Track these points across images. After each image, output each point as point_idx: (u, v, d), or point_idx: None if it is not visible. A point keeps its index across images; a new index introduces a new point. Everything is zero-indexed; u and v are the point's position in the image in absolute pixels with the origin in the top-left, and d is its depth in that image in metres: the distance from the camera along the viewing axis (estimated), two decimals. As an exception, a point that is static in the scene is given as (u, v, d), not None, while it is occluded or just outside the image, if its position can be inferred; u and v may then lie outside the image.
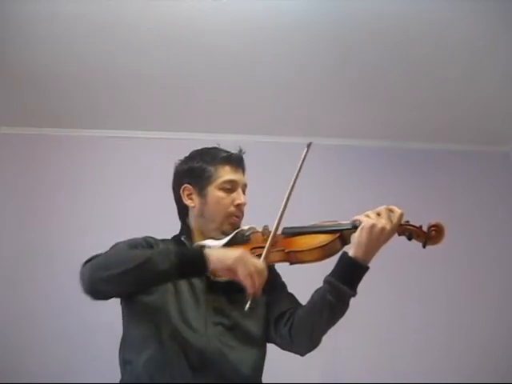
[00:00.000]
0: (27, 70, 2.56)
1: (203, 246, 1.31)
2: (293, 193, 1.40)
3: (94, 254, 1.40)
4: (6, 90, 2.71)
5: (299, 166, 1.41)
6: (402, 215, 1.32)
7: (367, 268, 1.31)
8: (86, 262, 1.31)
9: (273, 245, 1.36)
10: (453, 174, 3.17)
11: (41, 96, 2.75)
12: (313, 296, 1.37)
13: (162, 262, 1.20)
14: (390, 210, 1.32)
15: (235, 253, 1.23)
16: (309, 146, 1.44)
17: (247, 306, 1.21)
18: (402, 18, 2.26)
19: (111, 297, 1.32)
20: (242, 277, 1.20)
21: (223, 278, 1.37)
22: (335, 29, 2.33)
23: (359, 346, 2.67)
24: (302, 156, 1.42)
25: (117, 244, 1.41)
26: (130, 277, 1.22)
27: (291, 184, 1.39)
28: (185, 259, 1.22)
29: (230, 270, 1.21)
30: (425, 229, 1.34)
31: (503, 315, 2.86)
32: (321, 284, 1.36)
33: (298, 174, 1.40)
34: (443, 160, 3.19)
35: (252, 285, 1.20)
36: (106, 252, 1.34)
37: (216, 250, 1.29)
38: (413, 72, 2.61)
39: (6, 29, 2.30)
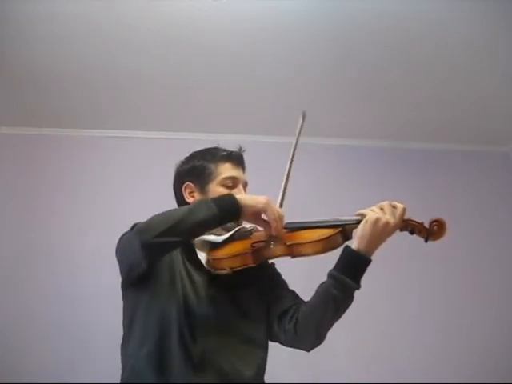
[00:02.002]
0: (27, 70, 2.56)
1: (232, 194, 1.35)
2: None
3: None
4: (6, 90, 2.71)
5: (296, 137, 1.48)
6: (404, 209, 1.33)
7: (370, 260, 1.32)
8: (130, 229, 1.37)
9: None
10: (453, 174, 3.17)
11: (41, 96, 2.76)
12: (317, 290, 1.37)
13: (202, 212, 1.27)
14: (393, 206, 1.33)
15: (265, 197, 1.31)
16: (304, 115, 1.51)
17: (272, 246, 1.32)
18: (402, 18, 2.26)
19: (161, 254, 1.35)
20: (271, 220, 1.29)
21: (224, 272, 1.38)
22: (335, 29, 2.33)
23: (359, 346, 2.67)
24: (298, 127, 1.49)
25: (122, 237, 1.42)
26: (176, 230, 1.26)
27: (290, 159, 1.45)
28: (223, 207, 1.28)
29: (259, 213, 1.30)
30: (427, 224, 1.35)
31: (503, 315, 2.86)
32: (321, 281, 1.37)
33: (295, 148, 1.47)
34: (443, 160, 3.20)
35: (277, 228, 1.30)
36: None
37: (245, 196, 1.37)
38: (413, 72, 2.61)
39: (6, 29, 2.30)
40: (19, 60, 2.50)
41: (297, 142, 1.48)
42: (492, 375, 2.63)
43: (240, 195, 1.34)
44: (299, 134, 1.49)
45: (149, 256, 1.28)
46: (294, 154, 1.46)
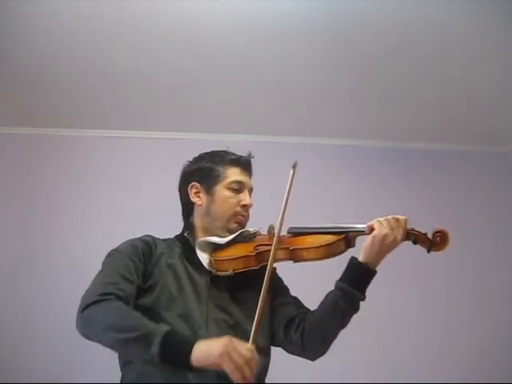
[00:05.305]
0: (27, 70, 2.56)
1: (193, 340, 1.19)
2: (293, 192, 1.41)
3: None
4: (6, 90, 2.71)
5: (288, 187, 1.40)
6: (406, 220, 1.35)
7: (376, 272, 1.34)
8: (83, 308, 1.36)
9: (278, 243, 1.37)
10: (453, 174, 3.17)
11: (41, 96, 2.75)
12: (323, 302, 1.38)
13: (141, 349, 1.17)
14: (397, 220, 1.34)
15: (219, 346, 1.13)
16: (294, 166, 1.44)
17: None
18: (402, 17, 2.27)
19: None
20: (230, 372, 1.12)
21: (226, 273, 1.38)
22: (335, 29, 2.33)
23: (359, 346, 2.67)
24: (290, 177, 1.41)
25: (109, 257, 1.40)
26: (112, 346, 1.27)
27: (285, 198, 1.39)
28: (168, 351, 1.15)
29: (216, 365, 1.13)
30: (430, 235, 1.36)
31: (503, 315, 2.86)
32: (323, 284, 1.37)
33: (289, 193, 1.39)
34: (443, 160, 3.19)
35: (242, 378, 1.11)
36: (98, 301, 1.34)
37: (203, 344, 1.17)
38: (413, 72, 2.61)
39: (6, 29, 2.31)
40: (19, 60, 2.50)
41: (289, 193, 1.39)
42: (492, 375, 2.62)
43: (198, 345, 1.15)
44: (291, 184, 1.40)
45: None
46: (286, 204, 1.38)
